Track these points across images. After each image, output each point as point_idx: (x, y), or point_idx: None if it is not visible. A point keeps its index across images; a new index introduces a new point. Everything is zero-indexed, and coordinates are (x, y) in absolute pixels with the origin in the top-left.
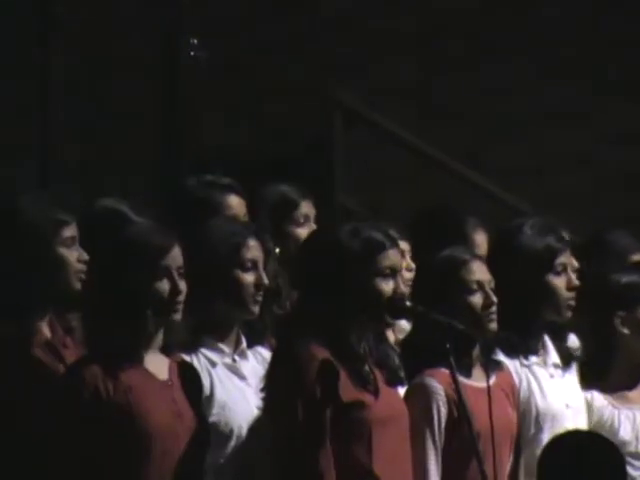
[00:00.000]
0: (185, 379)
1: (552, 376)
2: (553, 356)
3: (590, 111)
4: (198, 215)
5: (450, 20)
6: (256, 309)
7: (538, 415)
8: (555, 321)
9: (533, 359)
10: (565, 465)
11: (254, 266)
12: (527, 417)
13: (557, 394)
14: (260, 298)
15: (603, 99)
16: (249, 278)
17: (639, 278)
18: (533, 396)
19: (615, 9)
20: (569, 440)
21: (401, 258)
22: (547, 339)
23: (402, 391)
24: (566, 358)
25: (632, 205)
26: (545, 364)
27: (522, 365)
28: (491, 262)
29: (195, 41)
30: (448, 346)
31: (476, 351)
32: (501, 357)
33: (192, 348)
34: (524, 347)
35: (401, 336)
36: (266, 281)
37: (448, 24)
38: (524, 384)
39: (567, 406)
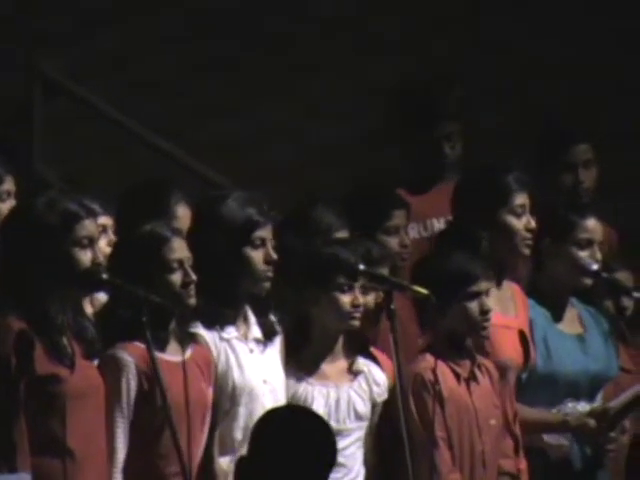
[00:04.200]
0: None
1: (252, 351)
2: (255, 330)
3: (286, 87)
4: None
5: None
6: None
7: (235, 390)
8: (255, 293)
9: (233, 333)
10: (277, 436)
11: None
12: (224, 391)
13: (255, 369)
14: None
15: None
16: None
17: (332, 256)
18: (230, 370)
19: None
20: (281, 413)
21: (99, 230)
22: (250, 313)
23: None
24: (268, 333)
25: (334, 180)
26: (246, 338)
27: (221, 339)
28: (193, 234)
29: None
30: (144, 319)
31: (172, 325)
32: (200, 330)
33: None
34: (221, 318)
35: (98, 308)
36: None
37: None
38: (222, 358)
39: (264, 382)
